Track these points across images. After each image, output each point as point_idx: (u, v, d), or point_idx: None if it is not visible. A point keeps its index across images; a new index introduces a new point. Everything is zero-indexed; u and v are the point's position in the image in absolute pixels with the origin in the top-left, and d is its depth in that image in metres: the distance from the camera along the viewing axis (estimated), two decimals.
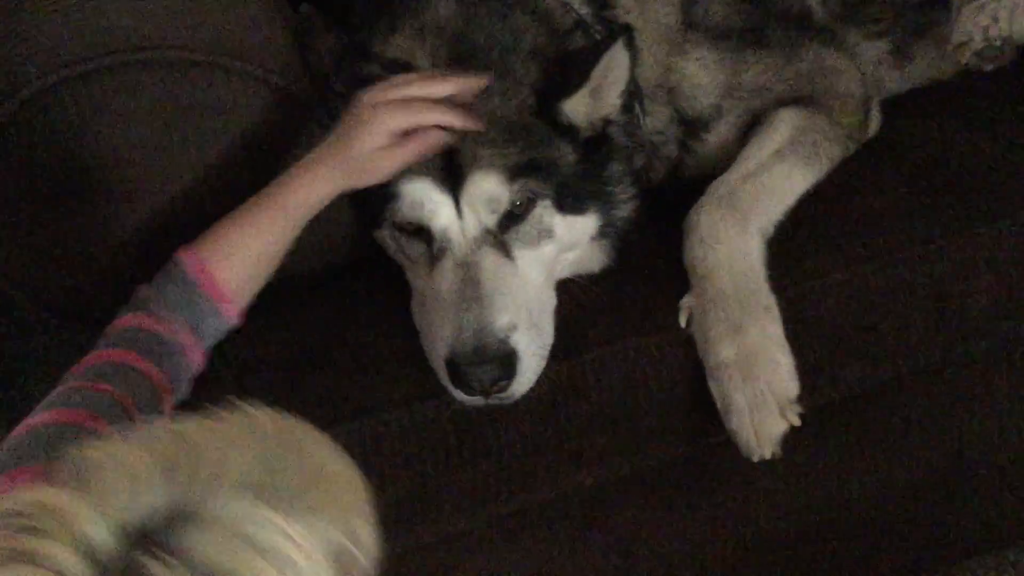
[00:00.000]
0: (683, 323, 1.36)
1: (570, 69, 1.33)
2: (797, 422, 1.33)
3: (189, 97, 1.28)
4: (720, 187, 1.43)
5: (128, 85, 1.27)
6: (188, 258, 1.20)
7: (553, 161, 1.32)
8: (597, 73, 1.31)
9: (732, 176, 1.44)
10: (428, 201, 1.29)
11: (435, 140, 1.26)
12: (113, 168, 1.28)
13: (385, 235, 1.36)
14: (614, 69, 1.31)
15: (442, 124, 1.25)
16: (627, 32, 1.34)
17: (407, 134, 1.24)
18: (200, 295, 1.20)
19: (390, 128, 1.23)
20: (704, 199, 1.42)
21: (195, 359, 1.20)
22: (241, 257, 1.22)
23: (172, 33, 1.29)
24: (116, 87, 1.26)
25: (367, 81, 1.30)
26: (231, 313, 1.22)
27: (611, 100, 1.34)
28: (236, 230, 1.23)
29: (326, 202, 1.25)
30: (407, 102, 1.24)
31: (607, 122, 1.37)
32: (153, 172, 1.30)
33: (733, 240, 1.38)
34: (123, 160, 1.28)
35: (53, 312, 1.43)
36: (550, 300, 1.35)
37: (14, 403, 1.85)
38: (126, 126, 1.27)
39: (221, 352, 1.26)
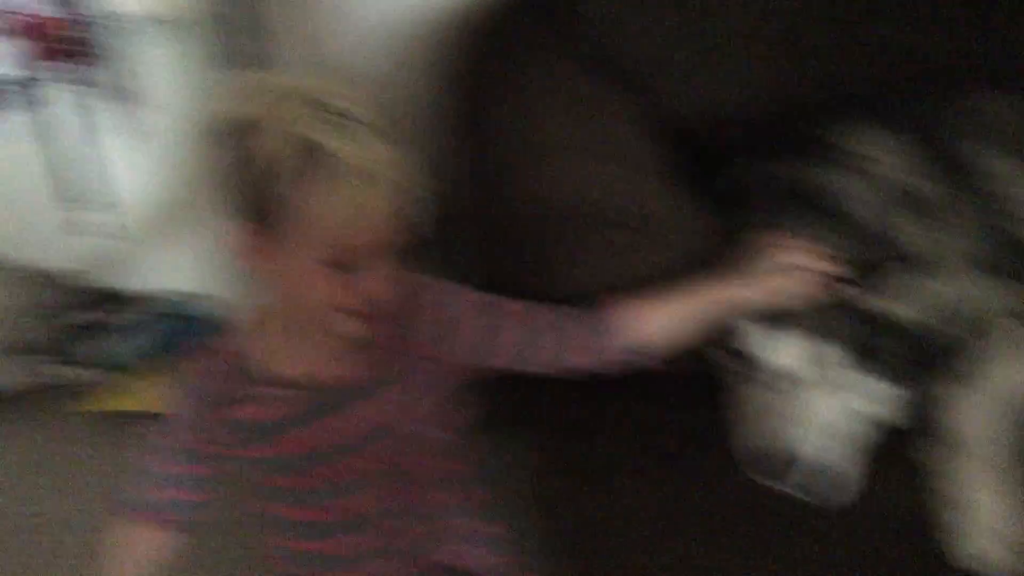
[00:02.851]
0: None
1: None
2: None
3: (619, 253, 1.59)
4: None
5: (589, 238, 1.60)
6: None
7: None
8: None
9: None
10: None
11: None
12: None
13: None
14: None
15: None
16: None
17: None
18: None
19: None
20: None
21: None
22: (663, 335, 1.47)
23: (609, 199, 1.60)
24: (586, 240, 1.59)
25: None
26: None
27: None
28: (669, 308, 1.47)
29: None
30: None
31: None
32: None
33: None
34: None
35: None
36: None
37: None
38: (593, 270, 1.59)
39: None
